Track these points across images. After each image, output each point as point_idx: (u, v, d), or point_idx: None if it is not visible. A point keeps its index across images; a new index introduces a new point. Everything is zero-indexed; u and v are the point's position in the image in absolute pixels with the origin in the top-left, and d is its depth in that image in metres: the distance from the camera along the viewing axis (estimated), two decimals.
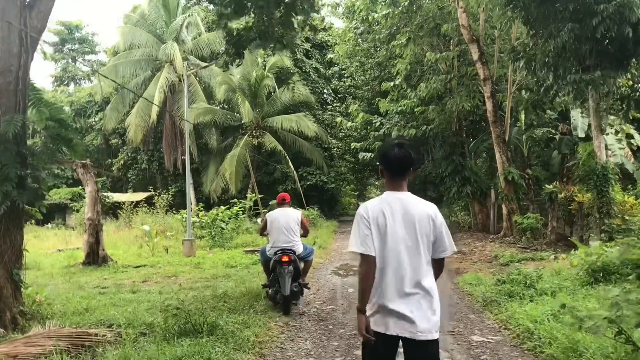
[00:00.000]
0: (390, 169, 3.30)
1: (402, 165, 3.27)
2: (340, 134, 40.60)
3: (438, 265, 3.34)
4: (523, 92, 18.04)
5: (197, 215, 20.79)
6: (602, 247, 10.29)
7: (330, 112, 36.66)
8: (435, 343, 3.15)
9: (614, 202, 12.48)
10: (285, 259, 7.59)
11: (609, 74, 11.50)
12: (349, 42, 28.31)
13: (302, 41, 36.15)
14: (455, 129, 22.85)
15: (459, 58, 19.64)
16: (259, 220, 23.47)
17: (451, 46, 20.99)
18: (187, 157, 17.34)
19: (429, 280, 3.19)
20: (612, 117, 21.32)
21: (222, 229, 18.65)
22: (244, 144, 30.52)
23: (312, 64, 36.25)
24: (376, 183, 75.21)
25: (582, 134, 20.76)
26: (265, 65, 32.16)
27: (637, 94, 12.59)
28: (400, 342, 3.16)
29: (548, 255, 12.23)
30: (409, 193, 3.32)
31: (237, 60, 9.60)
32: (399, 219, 3.18)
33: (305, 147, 32.61)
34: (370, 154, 24.26)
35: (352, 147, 25.01)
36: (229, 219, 21.22)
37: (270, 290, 7.86)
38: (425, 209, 3.25)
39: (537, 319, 6.02)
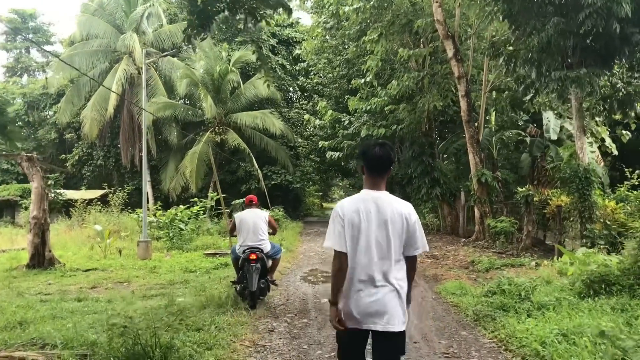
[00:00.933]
0: (370, 167, 3.40)
1: (381, 164, 3.39)
2: (307, 132, 39.74)
3: (410, 264, 3.43)
4: (501, 91, 17.45)
5: (155, 214, 19.59)
6: (591, 254, 9.69)
7: (296, 110, 35.69)
8: (402, 334, 3.33)
9: (596, 206, 11.93)
10: (253, 257, 7.97)
11: (594, 72, 10.92)
12: (317, 37, 27.42)
13: (268, 36, 35.17)
14: (425, 129, 22.26)
15: (432, 55, 18.95)
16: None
17: (422, 44, 20.35)
18: (144, 153, 16.15)
19: (398, 277, 3.31)
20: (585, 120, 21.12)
21: (181, 229, 17.50)
22: (206, 140, 29.31)
23: (278, 60, 35.23)
24: (340, 184, 74.81)
25: (554, 136, 20.41)
26: (229, 60, 31.00)
27: (620, 94, 12.06)
28: (370, 335, 3.35)
29: (528, 262, 11.60)
30: (386, 192, 3.41)
31: (202, 35, 8.52)
32: (373, 217, 3.28)
33: (271, 145, 31.59)
34: (338, 153, 23.43)
35: (320, 146, 24.10)
36: (189, 219, 20.10)
37: (238, 286, 8.24)
38: (399, 208, 3.34)
39: (545, 339, 5.23)
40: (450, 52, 16.49)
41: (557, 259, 10.68)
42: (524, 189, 16.92)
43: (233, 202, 27.46)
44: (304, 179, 35.25)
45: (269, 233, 8.61)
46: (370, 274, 3.25)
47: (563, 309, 6.23)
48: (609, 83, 11.96)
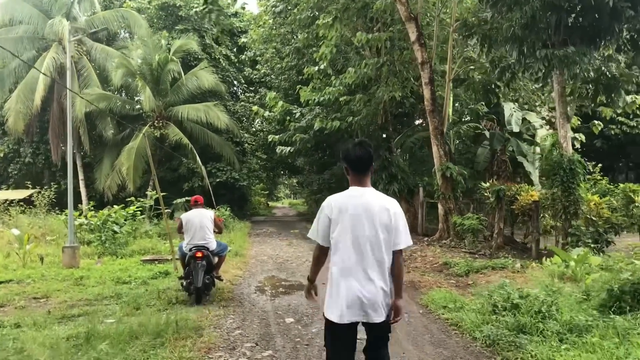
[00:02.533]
0: (353, 167, 3.54)
1: (363, 162, 3.54)
2: (254, 127, 37.90)
3: (397, 258, 3.51)
4: (463, 81, 16.28)
5: (86, 216, 17.44)
6: (587, 254, 8.53)
7: (243, 103, 33.81)
8: (385, 324, 3.46)
9: (582, 200, 10.82)
10: (198, 254, 8.34)
11: (581, 51, 9.78)
12: (265, 25, 25.73)
13: (212, 25, 33.14)
14: (381, 121, 20.96)
15: (391, 41, 17.57)
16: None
17: (379, 30, 18.97)
18: (69, 147, 14.01)
19: (381, 269, 3.40)
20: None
21: (115, 232, 15.47)
22: (144, 135, 27.09)
23: (222, 51, 33.26)
24: (286, 182, 73.06)
25: (516, 129, 19.55)
26: (169, 49, 28.82)
27: (605, 78, 11.01)
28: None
29: (510, 263, 10.36)
30: (372, 188, 3.56)
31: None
32: (361, 212, 3.39)
33: (215, 140, 29.61)
34: (289, 147, 21.80)
35: (270, 140, 22.38)
36: (126, 220, 18.06)
37: (185, 282, 8.49)
38: (384, 204, 3.47)
39: None
40: (413, 36, 15.18)
41: (547, 259, 9.46)
42: (488, 183, 15.94)
43: (174, 202, 25.40)
44: (250, 177, 33.44)
45: (215, 232, 9.05)
46: (354, 268, 3.35)
47: (606, 332, 4.87)
48: (593, 66, 10.88)
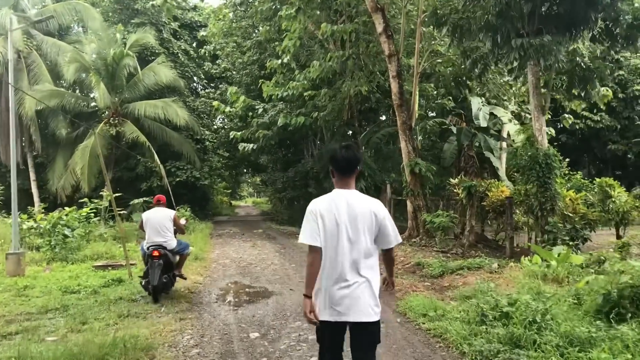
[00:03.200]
0: (339, 169, 3.58)
1: (349, 164, 3.58)
2: (215, 125, 36.90)
3: (388, 256, 3.71)
4: (429, 76, 15.79)
5: (35, 219, 16.34)
6: (568, 252, 8.10)
7: (203, 99, 32.76)
8: (375, 324, 3.47)
9: (559, 196, 10.42)
10: (155, 253, 8.32)
11: (558, 40, 9.36)
12: (225, 18, 24.84)
13: (169, 20, 32.02)
14: (347, 117, 20.38)
15: (357, 33, 16.97)
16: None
17: (341, 22, 18.37)
18: (11, 144, 12.91)
19: (369, 270, 3.44)
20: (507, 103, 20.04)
21: (66, 236, 14.44)
22: (99, 133, 25.88)
23: (180, 45, 32.17)
24: (249, 180, 71.95)
25: (484, 123, 19.24)
26: (125, 43, 27.63)
27: (581, 67, 10.64)
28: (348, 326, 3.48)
29: (487, 263, 9.89)
30: (356, 191, 3.61)
31: None
32: (344, 214, 3.42)
33: (174, 138, 28.57)
34: (252, 144, 21.01)
35: (232, 137, 21.53)
36: (80, 222, 17.01)
37: (143, 281, 8.50)
38: (368, 205, 3.51)
39: None
40: (379, 27, 14.61)
41: (524, 258, 9.01)
42: (457, 179, 15.55)
43: (132, 202, 24.31)
44: (212, 175, 32.46)
45: (177, 232, 9.11)
46: (342, 268, 3.39)
47: (614, 345, 4.34)
48: (568, 57, 10.49)
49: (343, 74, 18.49)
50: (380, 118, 24.46)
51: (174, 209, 22.40)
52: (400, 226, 19.07)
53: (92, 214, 17.73)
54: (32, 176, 27.78)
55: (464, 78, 14.59)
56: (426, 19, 14.49)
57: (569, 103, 13.16)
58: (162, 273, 8.29)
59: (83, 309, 7.95)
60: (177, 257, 9.03)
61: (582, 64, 10.51)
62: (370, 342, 3.50)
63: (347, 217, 3.40)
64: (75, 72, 26.63)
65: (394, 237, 3.52)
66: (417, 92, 15.69)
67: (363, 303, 3.37)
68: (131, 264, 12.18)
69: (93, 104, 30.03)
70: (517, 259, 10.61)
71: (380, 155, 23.20)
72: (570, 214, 10.42)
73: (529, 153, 10.44)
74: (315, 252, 3.39)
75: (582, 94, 11.52)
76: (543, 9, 9.58)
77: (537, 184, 10.35)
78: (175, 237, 8.95)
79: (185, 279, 9.48)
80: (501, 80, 15.49)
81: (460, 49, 11.89)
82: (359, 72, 17.23)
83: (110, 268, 12.03)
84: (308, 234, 3.42)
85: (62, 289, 9.59)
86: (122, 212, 21.60)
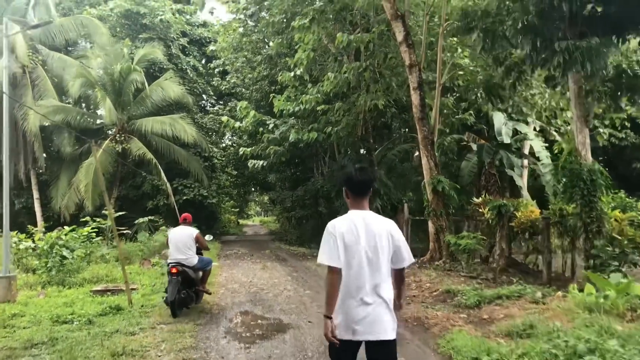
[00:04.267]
0: (354, 190, 3.69)
1: (364, 186, 3.70)
2: (223, 143, 36.16)
3: (399, 275, 3.74)
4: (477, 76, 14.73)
5: (33, 239, 15.43)
6: (632, 283, 7.08)
7: (211, 116, 32.00)
8: (393, 342, 3.54)
9: (606, 217, 9.38)
10: (173, 270, 8.64)
11: (608, 42, 8.42)
12: (235, 32, 24.13)
13: (178, 35, 31.43)
14: (361, 133, 19.44)
15: (374, 43, 16.06)
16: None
17: (357, 32, 17.54)
18: (4, 159, 11.97)
19: (387, 289, 3.54)
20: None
21: (64, 258, 13.49)
22: (104, 150, 25.10)
23: (189, 61, 31.51)
24: (256, 199, 70.97)
25: (507, 140, 18.28)
26: (132, 58, 26.97)
27: (628, 75, 9.66)
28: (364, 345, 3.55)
29: (526, 291, 8.82)
30: (370, 211, 3.68)
31: None
32: (362, 234, 3.49)
33: (182, 155, 27.73)
34: (262, 161, 20.10)
35: (241, 154, 20.64)
36: (82, 242, 16.10)
37: (165, 296, 8.68)
38: (384, 225, 3.62)
39: None
40: (399, 36, 13.76)
41: (575, 287, 7.96)
42: (480, 199, 14.57)
43: (137, 221, 23.43)
44: (220, 194, 31.54)
45: (199, 249, 9.33)
46: (362, 288, 3.45)
47: None
48: (613, 63, 9.52)
49: (358, 88, 17.63)
50: (395, 134, 23.54)
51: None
52: (418, 248, 18.09)
53: (94, 234, 16.80)
54: (36, 194, 26.96)
55: (495, 88, 13.56)
56: (448, 28, 13.65)
57: (612, 115, 12.18)
58: (181, 289, 8.62)
59: (73, 343, 6.98)
60: (200, 273, 9.39)
61: (630, 71, 9.56)
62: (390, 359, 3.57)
63: (365, 238, 3.48)
64: (81, 88, 25.96)
65: (408, 256, 3.62)
66: (439, 105, 14.75)
67: (383, 322, 3.46)
68: (132, 289, 11.21)
69: (99, 120, 29.38)
70: (557, 286, 9.58)
71: (394, 173, 22.24)
72: (618, 236, 9.38)
73: (571, 169, 9.43)
74: (335, 273, 3.43)
75: (630, 104, 10.56)
76: (586, 11, 8.64)
77: (581, 203, 9.32)
78: (198, 254, 9.26)
79: (210, 293, 9.95)
80: (528, 93, 14.54)
81: (491, 55, 10.99)
82: (376, 85, 16.34)
83: (109, 293, 11.07)
84: (327, 255, 3.45)
85: (53, 318, 8.61)
86: (126, 231, 20.73)
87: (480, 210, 14.00)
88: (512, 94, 12.75)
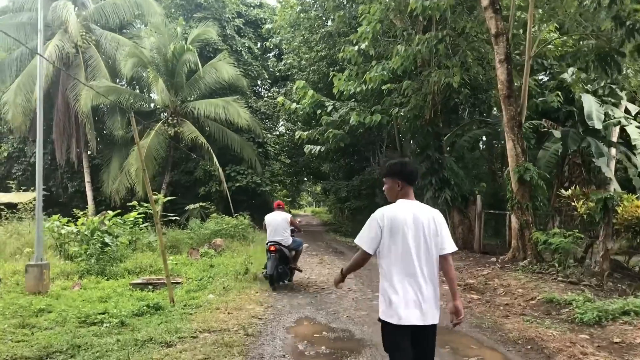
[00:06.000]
0: (408, 180, 3.74)
1: (415, 175, 3.81)
2: (277, 131, 34.92)
3: (447, 264, 3.66)
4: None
5: (75, 223, 14.36)
6: None
7: (266, 99, 30.72)
8: (435, 327, 3.57)
9: None
10: (272, 248, 10.00)
11: None
12: (293, 8, 22.62)
13: (233, 15, 30.22)
14: (430, 116, 17.55)
15: (453, 9, 14.11)
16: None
17: None
18: (38, 140, 10.78)
19: (434, 275, 3.56)
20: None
21: (105, 245, 12.32)
22: (156, 133, 24.17)
23: (244, 43, 30.26)
24: (308, 189, 69.75)
25: (599, 125, 16.02)
26: (186, 38, 25.90)
27: None
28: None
29: None
30: (417, 201, 3.75)
31: None
32: (411, 222, 3.54)
33: (235, 140, 26.57)
34: (319, 147, 18.54)
35: (297, 138, 19.13)
36: (131, 228, 15.07)
37: (264, 272, 10.23)
38: (430, 213, 3.67)
39: None
40: (485, 0, 11.86)
41: None
42: (569, 191, 12.58)
43: (188, 207, 22.36)
44: (273, 182, 30.23)
45: (292, 231, 10.58)
46: (412, 274, 3.49)
47: None
48: None
49: (429, 65, 15.80)
50: (464, 119, 21.55)
51: (232, 215, 20.33)
52: (490, 244, 16.19)
53: (141, 220, 15.69)
54: (87, 178, 26.36)
55: (613, 55, 11.37)
56: None
57: None
58: (279, 264, 9.93)
59: (96, 354, 5.60)
60: (293, 252, 10.53)
61: None
62: (434, 344, 3.59)
63: (413, 225, 3.52)
64: (133, 68, 25.08)
65: (449, 243, 3.61)
66: (528, 81, 12.79)
67: (430, 307, 3.47)
68: (175, 283, 9.89)
69: (152, 103, 28.58)
70: None
71: (463, 162, 20.30)
72: None
73: None
74: (366, 256, 3.63)
75: None
76: None
77: None
78: (292, 235, 10.53)
79: (300, 271, 11.17)
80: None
81: (610, 13, 9.03)
82: (451, 60, 14.46)
83: (150, 287, 9.78)
84: (366, 240, 3.58)
85: (81, 318, 7.31)
86: (174, 218, 19.62)
87: (573, 203, 12.05)
88: (637, 58, 10.63)
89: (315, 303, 8.53)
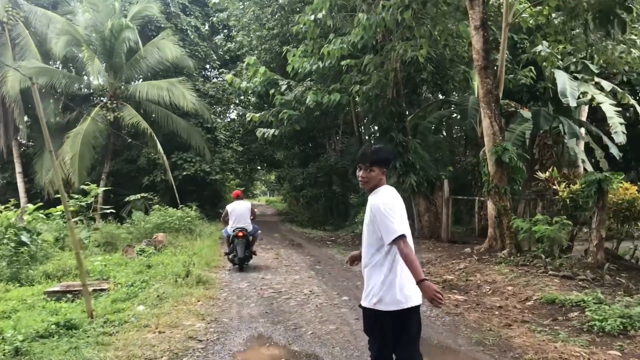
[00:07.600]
0: (389, 167, 3.77)
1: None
2: (227, 118, 33.09)
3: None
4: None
5: None
6: None
7: (215, 81, 28.79)
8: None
9: None
10: (240, 234, 11.01)
11: None
12: None
13: None
14: (392, 95, 16.19)
15: None
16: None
17: None
18: None
19: None
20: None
21: (21, 244, 10.41)
22: (93, 119, 22.00)
23: (190, 22, 28.20)
24: (262, 178, 67.81)
25: (573, 103, 14.95)
26: (125, 15, 23.72)
27: None
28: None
29: None
30: None
31: None
32: (402, 207, 3.57)
33: (181, 126, 24.60)
34: (273, 130, 16.89)
35: (249, 120, 17.38)
36: (60, 223, 13.21)
37: (230, 255, 11.29)
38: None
39: None
40: None
41: None
42: (547, 173, 11.52)
43: (129, 199, 20.35)
44: (224, 170, 28.35)
45: (251, 218, 11.73)
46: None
47: None
48: None
49: (391, 40, 14.38)
50: (426, 99, 20.32)
51: (177, 208, 18.49)
52: (458, 232, 15.03)
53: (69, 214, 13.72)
54: (18, 168, 23.91)
55: (612, 11, 10.02)
56: None
57: None
58: (245, 248, 10.95)
59: None
60: (251, 238, 11.56)
61: None
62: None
63: (404, 210, 3.55)
64: (66, 47, 22.74)
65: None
66: (506, 51, 11.52)
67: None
68: (99, 290, 8.16)
69: (89, 87, 26.29)
70: None
71: (426, 145, 19.03)
72: None
73: None
74: (407, 239, 3.37)
75: None
76: None
77: None
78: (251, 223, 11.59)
79: (256, 254, 11.98)
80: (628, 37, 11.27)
81: None
82: (419, 30, 13.03)
83: (70, 295, 8.01)
84: (401, 225, 3.38)
85: None
86: (110, 210, 17.61)
87: (554, 187, 10.91)
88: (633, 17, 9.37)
89: (271, 313, 6.93)
